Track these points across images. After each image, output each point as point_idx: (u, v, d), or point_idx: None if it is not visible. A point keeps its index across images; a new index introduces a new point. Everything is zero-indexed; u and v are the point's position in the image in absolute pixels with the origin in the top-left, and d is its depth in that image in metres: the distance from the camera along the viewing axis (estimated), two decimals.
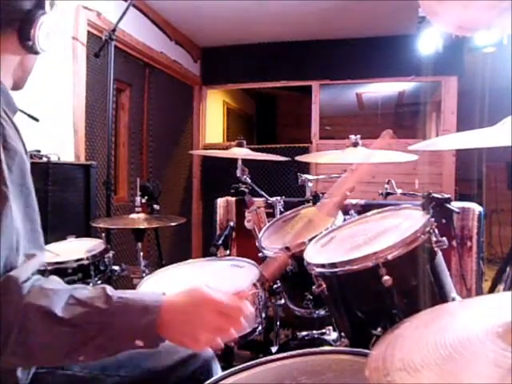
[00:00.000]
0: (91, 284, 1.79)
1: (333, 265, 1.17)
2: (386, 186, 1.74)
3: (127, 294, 0.79)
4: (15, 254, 0.74)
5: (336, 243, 1.38)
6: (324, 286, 1.23)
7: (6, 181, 0.74)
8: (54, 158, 2.22)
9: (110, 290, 0.78)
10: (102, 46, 2.40)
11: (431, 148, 1.57)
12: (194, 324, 0.78)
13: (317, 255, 1.31)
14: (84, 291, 0.77)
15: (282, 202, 2.03)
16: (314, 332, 1.76)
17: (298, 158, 2.05)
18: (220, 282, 1.59)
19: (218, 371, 1.06)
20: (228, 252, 1.86)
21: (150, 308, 0.77)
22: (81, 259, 1.67)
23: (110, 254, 1.82)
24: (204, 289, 0.82)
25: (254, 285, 1.07)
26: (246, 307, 0.82)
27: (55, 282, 0.80)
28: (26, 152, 0.87)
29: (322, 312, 1.51)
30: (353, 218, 1.59)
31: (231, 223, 2.01)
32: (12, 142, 0.78)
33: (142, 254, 2.09)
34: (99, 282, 1.85)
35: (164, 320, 0.76)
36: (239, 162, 1.97)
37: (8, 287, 0.71)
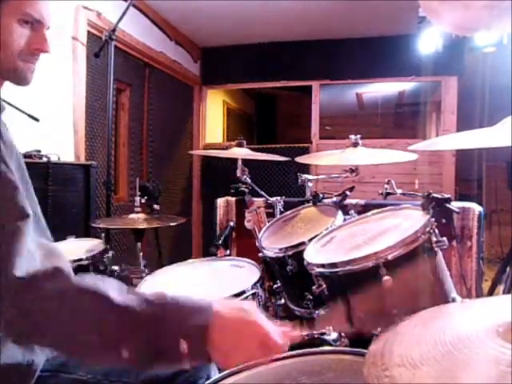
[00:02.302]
0: None
1: (333, 265, 1.17)
2: (386, 186, 1.74)
3: (179, 296, 0.77)
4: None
5: (336, 243, 1.38)
6: (324, 285, 1.23)
7: (12, 171, 0.74)
8: (53, 158, 2.22)
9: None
10: (102, 46, 2.40)
11: (431, 148, 1.57)
12: (237, 342, 0.75)
13: (317, 255, 1.31)
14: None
15: (282, 202, 2.03)
16: (314, 332, 1.76)
17: (297, 159, 2.05)
18: (220, 282, 1.60)
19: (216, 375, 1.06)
20: (228, 252, 1.86)
21: (204, 309, 0.74)
22: (80, 259, 1.67)
23: (110, 254, 1.82)
24: (257, 313, 0.78)
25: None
26: (285, 347, 0.80)
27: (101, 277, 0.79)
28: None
29: (322, 312, 1.51)
30: (353, 217, 1.59)
31: (231, 223, 2.02)
32: (7, 136, 0.78)
33: (141, 254, 2.09)
34: None
35: (214, 325, 0.73)
36: (239, 162, 1.97)
37: (57, 275, 0.70)
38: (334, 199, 1.85)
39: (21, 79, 0.87)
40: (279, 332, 0.79)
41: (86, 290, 0.71)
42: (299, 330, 0.88)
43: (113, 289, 0.73)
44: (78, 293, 0.70)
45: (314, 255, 1.31)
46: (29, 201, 0.78)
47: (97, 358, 0.74)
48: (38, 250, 0.73)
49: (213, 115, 5.33)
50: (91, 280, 0.74)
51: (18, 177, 0.77)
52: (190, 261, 1.76)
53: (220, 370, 1.00)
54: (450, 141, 1.35)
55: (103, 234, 2.26)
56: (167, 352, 0.72)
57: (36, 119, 1.80)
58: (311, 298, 1.47)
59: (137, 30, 3.47)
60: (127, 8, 2.38)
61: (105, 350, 0.71)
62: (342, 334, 1.28)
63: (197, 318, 0.73)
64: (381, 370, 0.51)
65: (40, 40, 0.86)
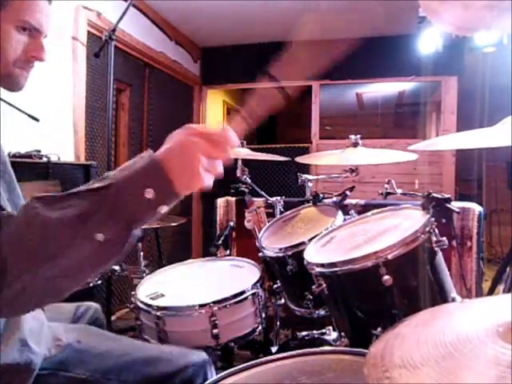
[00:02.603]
0: (91, 284, 1.79)
1: (333, 264, 1.17)
2: (386, 185, 1.74)
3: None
4: None
5: (336, 243, 1.38)
6: (324, 285, 1.23)
7: None
8: (53, 158, 2.21)
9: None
10: (102, 46, 2.40)
11: (431, 148, 1.57)
12: (188, 157, 0.74)
13: (317, 255, 1.31)
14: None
15: (282, 202, 2.03)
16: (314, 332, 1.76)
17: (297, 159, 2.05)
18: (220, 282, 1.60)
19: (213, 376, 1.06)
20: (228, 252, 1.86)
21: (147, 157, 0.75)
22: None
23: None
24: (185, 127, 0.79)
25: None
26: (231, 134, 0.78)
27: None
28: None
29: (322, 312, 1.51)
30: (353, 217, 1.59)
31: (231, 223, 2.02)
32: None
33: (142, 254, 2.09)
34: (99, 281, 1.85)
35: (164, 162, 0.73)
36: (239, 162, 1.97)
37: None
38: (334, 199, 1.85)
39: (14, 85, 0.87)
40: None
41: (41, 196, 0.68)
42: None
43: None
44: (34, 199, 0.67)
45: (314, 255, 1.31)
46: (9, 194, 0.78)
47: (72, 256, 0.67)
48: None
49: (213, 115, 5.33)
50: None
51: None
52: (190, 261, 1.77)
53: (223, 369, 1.00)
54: (449, 141, 1.35)
55: None
56: (137, 211, 0.70)
57: (36, 119, 1.79)
58: (311, 297, 1.48)
59: (137, 30, 3.47)
60: (127, 8, 2.38)
61: (77, 240, 0.66)
62: (342, 334, 1.28)
63: (147, 164, 0.73)
64: (381, 372, 0.51)
65: (37, 48, 0.86)
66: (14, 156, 2.03)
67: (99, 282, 1.83)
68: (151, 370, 0.99)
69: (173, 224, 2.11)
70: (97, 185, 0.69)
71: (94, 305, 1.31)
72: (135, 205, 0.69)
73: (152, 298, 1.43)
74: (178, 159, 0.74)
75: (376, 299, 1.15)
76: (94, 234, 0.66)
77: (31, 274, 0.65)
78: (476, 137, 1.20)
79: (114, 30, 2.35)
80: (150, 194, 0.69)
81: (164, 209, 0.72)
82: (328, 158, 2.04)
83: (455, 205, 1.30)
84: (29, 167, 2.03)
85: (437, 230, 1.16)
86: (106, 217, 0.67)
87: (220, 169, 0.77)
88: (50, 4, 0.88)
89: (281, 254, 1.54)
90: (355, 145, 1.85)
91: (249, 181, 1.96)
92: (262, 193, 2.06)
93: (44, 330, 0.97)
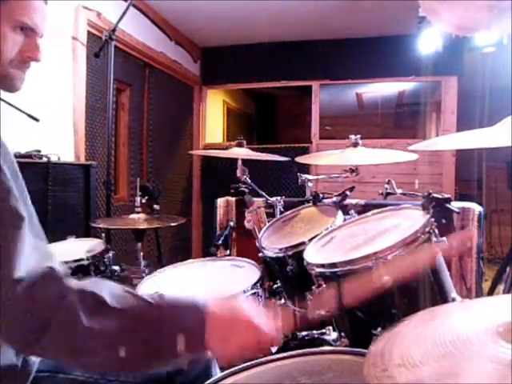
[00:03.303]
0: None
1: (333, 265, 1.17)
2: (386, 185, 1.74)
3: (175, 297, 0.80)
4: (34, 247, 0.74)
5: (336, 243, 1.38)
6: (324, 286, 1.23)
7: (5, 173, 0.74)
8: (53, 158, 2.22)
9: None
10: (102, 46, 2.40)
11: (431, 148, 1.57)
12: (231, 337, 0.77)
13: (317, 255, 1.31)
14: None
15: (282, 202, 2.03)
16: (314, 332, 1.76)
17: (297, 159, 2.05)
18: (220, 282, 1.60)
19: (217, 374, 1.06)
20: (228, 252, 1.86)
21: (199, 308, 0.76)
22: (81, 259, 1.67)
23: (110, 254, 1.82)
24: (249, 309, 0.81)
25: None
26: (278, 337, 0.83)
27: (96, 279, 0.80)
28: None
29: (322, 312, 1.51)
30: (353, 217, 1.59)
31: (231, 223, 2.02)
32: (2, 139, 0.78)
33: (142, 254, 2.09)
34: None
35: (209, 322, 0.75)
36: (239, 162, 1.97)
37: (54, 276, 0.71)
38: (334, 199, 1.85)
39: (10, 86, 0.87)
40: (271, 326, 0.81)
41: (83, 291, 0.72)
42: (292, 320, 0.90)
43: (110, 291, 0.73)
44: (76, 295, 0.71)
45: (314, 255, 1.31)
46: (23, 203, 0.78)
47: (94, 361, 0.74)
48: (34, 251, 0.74)
49: (213, 115, 5.33)
50: (88, 282, 0.75)
51: (13, 179, 0.77)
52: (190, 261, 1.76)
53: (223, 369, 1.00)
54: (449, 141, 1.35)
55: (103, 234, 2.26)
56: (164, 351, 0.74)
57: (36, 119, 1.79)
58: (311, 297, 1.47)
59: (137, 30, 3.47)
60: (127, 8, 2.38)
61: (102, 351, 0.72)
62: (342, 334, 1.28)
63: (193, 316, 0.75)
64: (381, 371, 0.51)
65: (32, 48, 0.85)
66: (14, 156, 2.03)
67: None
68: (151, 371, 0.99)
69: (173, 224, 2.11)
70: (140, 305, 0.74)
71: None
72: (164, 345, 0.73)
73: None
74: (224, 333, 0.77)
75: (376, 299, 1.15)
76: (119, 350, 0.71)
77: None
78: (476, 137, 1.20)
79: (114, 30, 2.35)
80: (181, 344, 0.72)
81: (184, 362, 0.77)
82: (328, 158, 2.04)
83: (455, 205, 1.30)
84: (29, 167, 2.03)
85: (437, 230, 1.16)
86: (138, 343, 0.72)
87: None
88: (46, 4, 0.87)
89: (281, 254, 1.54)
90: (355, 145, 1.85)
91: (249, 181, 1.96)
92: (262, 193, 2.06)
93: None
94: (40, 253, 0.75)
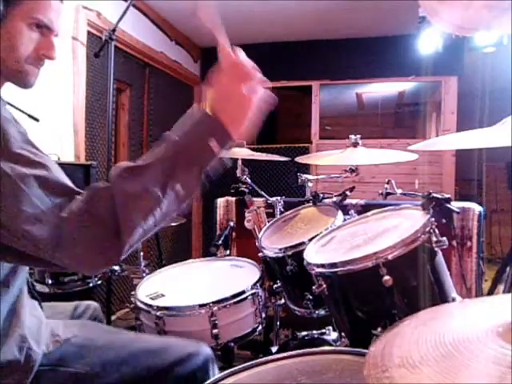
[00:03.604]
0: (91, 284, 1.79)
1: (333, 265, 1.17)
2: (386, 185, 1.74)
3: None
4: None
5: (336, 243, 1.38)
6: (324, 285, 1.23)
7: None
8: (53, 158, 2.21)
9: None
10: (102, 46, 2.40)
11: (431, 148, 1.57)
12: (237, 103, 0.84)
13: (317, 255, 1.31)
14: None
15: (282, 202, 2.03)
16: (314, 332, 1.76)
17: (297, 159, 2.05)
18: (220, 282, 1.60)
19: (215, 371, 1.07)
20: (228, 252, 1.86)
21: (199, 114, 0.84)
22: None
23: None
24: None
25: None
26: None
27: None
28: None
29: (322, 312, 1.51)
30: (353, 218, 1.59)
31: (231, 223, 2.02)
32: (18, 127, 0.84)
33: (142, 254, 2.09)
34: (99, 281, 1.85)
35: (217, 114, 0.82)
36: (239, 162, 1.97)
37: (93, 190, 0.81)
38: (334, 199, 1.85)
39: (24, 82, 0.89)
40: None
41: (121, 175, 0.79)
42: None
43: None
44: (114, 182, 0.79)
45: (314, 255, 1.31)
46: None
47: (159, 204, 0.79)
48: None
49: None
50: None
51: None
52: (190, 261, 1.77)
53: (223, 369, 1.00)
54: (449, 141, 1.35)
55: None
56: (205, 158, 0.83)
57: (36, 119, 1.79)
58: (311, 297, 1.48)
59: (137, 30, 3.47)
60: (127, 8, 2.38)
61: (162, 191, 0.78)
62: (342, 334, 1.28)
63: (207, 123, 0.83)
64: (381, 372, 0.51)
65: (48, 46, 0.88)
66: None
67: (99, 282, 1.83)
68: (151, 362, 0.99)
69: (173, 224, 2.11)
70: (166, 143, 0.81)
71: (94, 304, 1.31)
72: (203, 154, 0.82)
73: (152, 298, 1.43)
74: (228, 107, 0.84)
75: (376, 299, 1.15)
76: (175, 185, 0.79)
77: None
78: (476, 137, 1.20)
79: (114, 30, 2.35)
80: (212, 142, 0.81)
81: (222, 153, 0.84)
82: (328, 158, 2.04)
83: (455, 205, 1.30)
84: None
85: (437, 230, 1.16)
86: (184, 168, 0.80)
87: (260, 91, 0.86)
88: (62, 3, 0.89)
89: (281, 254, 1.54)
90: (355, 145, 1.84)
91: (249, 181, 1.96)
92: (262, 193, 2.06)
93: (42, 327, 0.97)
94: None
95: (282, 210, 2.01)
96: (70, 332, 1.02)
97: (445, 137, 1.43)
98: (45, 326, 0.98)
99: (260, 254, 1.68)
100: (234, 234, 2.03)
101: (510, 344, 0.50)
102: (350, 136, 1.87)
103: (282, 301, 1.75)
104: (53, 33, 0.89)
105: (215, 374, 1.05)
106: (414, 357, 0.52)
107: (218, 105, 0.83)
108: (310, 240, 1.45)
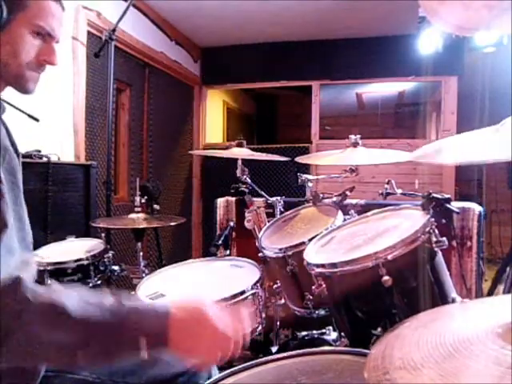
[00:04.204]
0: (91, 284, 1.79)
1: (333, 265, 1.17)
2: (386, 186, 1.74)
3: (137, 301, 0.81)
4: (11, 253, 0.74)
5: (336, 243, 1.38)
6: (324, 285, 1.23)
7: (0, 177, 0.75)
8: (53, 158, 2.21)
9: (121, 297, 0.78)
10: (102, 46, 2.40)
11: (432, 160, 1.57)
12: (194, 340, 0.78)
13: (317, 255, 1.31)
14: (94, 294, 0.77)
15: (282, 202, 2.03)
16: (314, 332, 1.76)
17: (297, 159, 2.05)
18: (220, 282, 1.60)
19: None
20: (228, 252, 1.86)
21: (160, 315, 0.77)
22: (80, 259, 1.67)
23: (110, 254, 1.82)
24: (213, 313, 0.80)
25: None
26: (244, 342, 0.82)
27: (60, 287, 0.79)
28: (16, 150, 0.88)
29: (322, 312, 1.51)
30: (353, 218, 1.59)
31: (231, 223, 2.01)
32: (2, 140, 0.79)
33: (141, 254, 2.09)
34: (99, 282, 1.85)
35: (171, 329, 0.76)
36: (239, 162, 1.97)
37: (15, 288, 0.70)
38: (334, 199, 1.85)
39: (24, 88, 0.90)
40: (236, 331, 0.81)
41: (43, 304, 0.71)
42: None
43: (72, 301, 0.72)
44: (37, 306, 0.70)
45: (314, 255, 1.31)
46: (15, 205, 0.80)
47: (52, 362, 0.78)
48: (8, 256, 0.74)
49: (213, 115, 5.32)
50: (53, 290, 0.74)
51: (8, 181, 0.78)
52: (190, 261, 1.76)
53: (223, 369, 1.00)
54: (451, 150, 1.34)
55: (103, 234, 2.26)
56: (125, 353, 0.76)
57: (36, 119, 1.79)
58: (311, 297, 1.48)
59: (137, 30, 3.47)
60: (127, 8, 2.38)
61: (60, 358, 0.73)
62: (342, 334, 1.28)
63: (154, 323, 0.75)
64: (382, 374, 0.51)
65: (49, 52, 0.89)
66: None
67: (99, 282, 1.83)
68: (156, 372, 1.00)
69: (173, 224, 2.11)
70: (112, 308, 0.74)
71: None
72: (128, 346, 0.74)
73: (152, 298, 1.42)
74: (188, 335, 0.77)
75: (376, 299, 1.15)
76: (78, 357, 0.73)
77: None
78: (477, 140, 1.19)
79: (113, 30, 2.36)
80: (143, 343, 0.74)
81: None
82: (328, 159, 2.04)
83: (455, 205, 1.30)
84: (29, 167, 2.03)
85: (437, 231, 1.16)
86: (98, 350, 0.73)
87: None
88: (63, 10, 0.91)
89: (281, 254, 1.54)
90: (355, 145, 1.84)
91: (249, 181, 1.96)
92: (262, 193, 2.06)
93: None
94: (14, 259, 0.75)
95: (282, 209, 2.01)
96: None
97: (446, 144, 1.42)
98: None
99: (260, 254, 1.68)
100: (234, 233, 2.03)
101: (510, 345, 0.50)
102: (350, 136, 1.87)
103: (282, 301, 1.75)
104: (54, 39, 0.90)
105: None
106: (414, 358, 0.52)
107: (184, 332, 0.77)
108: (310, 240, 1.44)
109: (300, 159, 2.05)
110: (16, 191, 0.83)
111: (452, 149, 1.23)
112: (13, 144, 0.92)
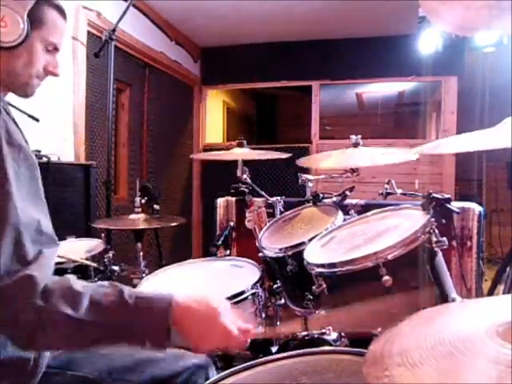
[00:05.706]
0: None
1: (333, 265, 1.17)
2: (386, 185, 1.74)
3: (142, 293, 0.86)
4: (23, 248, 0.78)
5: (336, 243, 1.38)
6: (324, 285, 1.23)
7: (9, 178, 0.79)
8: (53, 158, 2.21)
9: (127, 291, 0.83)
10: (102, 46, 2.40)
11: (433, 151, 1.57)
12: (202, 331, 0.84)
13: (317, 255, 1.31)
14: (102, 290, 0.83)
15: (282, 202, 2.03)
16: (314, 332, 1.76)
17: (298, 162, 2.05)
18: (220, 282, 1.60)
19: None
20: (228, 252, 1.86)
21: (164, 300, 0.83)
22: (80, 259, 1.67)
23: (110, 254, 1.82)
24: (222, 310, 0.86)
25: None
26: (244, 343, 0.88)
27: (75, 281, 0.83)
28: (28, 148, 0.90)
29: (322, 312, 1.51)
30: (353, 218, 1.59)
31: (231, 223, 2.01)
32: (16, 138, 0.83)
33: (141, 254, 2.09)
34: (99, 282, 1.85)
35: (174, 315, 0.81)
36: (239, 162, 1.97)
37: (26, 288, 0.75)
38: (334, 199, 1.85)
39: (26, 93, 0.98)
40: (239, 329, 0.87)
41: (52, 310, 0.76)
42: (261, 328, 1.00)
43: (82, 303, 0.78)
44: (46, 312, 0.76)
45: (314, 255, 1.31)
46: (38, 200, 0.92)
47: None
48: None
49: (213, 115, 5.32)
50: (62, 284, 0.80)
51: (26, 176, 0.88)
52: (190, 261, 1.76)
53: (223, 369, 1.01)
54: (451, 143, 1.34)
55: (103, 234, 2.26)
56: (131, 340, 0.83)
57: (36, 119, 1.80)
58: (311, 297, 1.47)
59: (137, 30, 3.47)
60: (127, 8, 2.38)
61: (87, 347, 0.84)
62: (342, 334, 1.28)
63: (159, 298, 0.83)
64: (381, 370, 0.51)
65: (54, 64, 0.98)
66: None
67: (99, 282, 1.83)
68: (155, 371, 1.00)
69: (173, 224, 2.11)
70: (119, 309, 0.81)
71: None
72: (136, 338, 0.82)
73: None
74: (195, 330, 0.84)
75: (376, 299, 1.15)
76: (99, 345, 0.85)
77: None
78: (477, 139, 1.20)
79: (114, 30, 2.35)
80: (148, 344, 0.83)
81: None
82: (329, 161, 2.04)
83: (455, 205, 1.30)
84: None
85: (437, 230, 1.16)
86: (110, 336, 0.81)
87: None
88: (66, 22, 0.99)
89: (281, 254, 1.54)
90: (356, 145, 1.84)
91: (249, 181, 1.96)
92: (262, 193, 2.06)
93: None
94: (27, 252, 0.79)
95: (282, 209, 2.01)
96: None
97: (446, 139, 1.43)
98: None
99: (260, 254, 1.68)
100: (234, 234, 2.03)
101: (509, 344, 0.50)
102: (351, 136, 1.87)
103: (282, 301, 1.75)
104: (58, 51, 0.99)
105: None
106: (413, 356, 0.52)
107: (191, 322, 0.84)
108: (310, 240, 1.45)
109: (300, 162, 2.05)
110: (35, 187, 0.93)
111: (451, 142, 1.23)
112: (26, 141, 0.95)
